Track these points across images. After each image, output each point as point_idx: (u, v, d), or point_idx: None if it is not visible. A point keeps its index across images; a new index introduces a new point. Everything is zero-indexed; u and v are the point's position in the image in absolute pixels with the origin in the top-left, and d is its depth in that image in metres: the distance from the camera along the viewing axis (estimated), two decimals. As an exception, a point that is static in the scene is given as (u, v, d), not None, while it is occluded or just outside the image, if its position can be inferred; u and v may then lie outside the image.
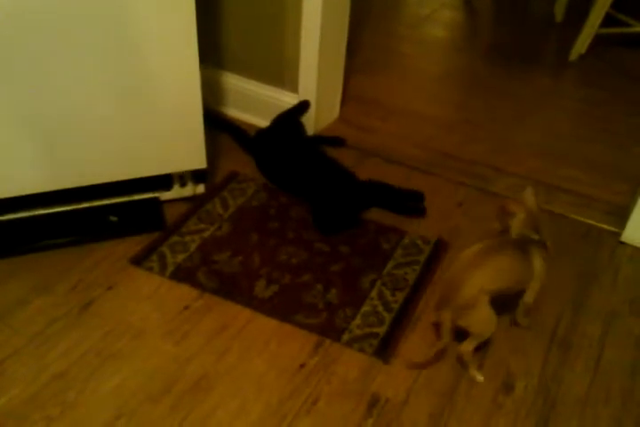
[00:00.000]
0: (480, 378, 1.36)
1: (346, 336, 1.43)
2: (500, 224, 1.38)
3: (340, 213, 1.71)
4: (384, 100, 2.31)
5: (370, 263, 1.62)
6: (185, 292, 1.51)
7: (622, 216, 1.78)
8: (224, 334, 1.42)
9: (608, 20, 2.59)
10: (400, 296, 1.53)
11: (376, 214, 1.77)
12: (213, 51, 2.04)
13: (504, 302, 1.39)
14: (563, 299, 1.58)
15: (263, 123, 2.00)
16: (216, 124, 2.01)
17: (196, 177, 1.74)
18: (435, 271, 1.61)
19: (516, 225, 1.33)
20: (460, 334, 1.36)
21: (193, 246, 1.63)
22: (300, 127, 1.96)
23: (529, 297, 1.41)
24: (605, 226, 1.80)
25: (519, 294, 1.42)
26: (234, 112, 2.11)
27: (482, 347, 1.39)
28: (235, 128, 2.00)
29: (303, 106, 1.97)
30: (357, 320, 1.47)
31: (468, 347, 1.34)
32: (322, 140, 2.01)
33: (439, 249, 1.67)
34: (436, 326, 1.41)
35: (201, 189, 1.78)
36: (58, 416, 1.24)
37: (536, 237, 1.35)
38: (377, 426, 1.27)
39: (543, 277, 1.40)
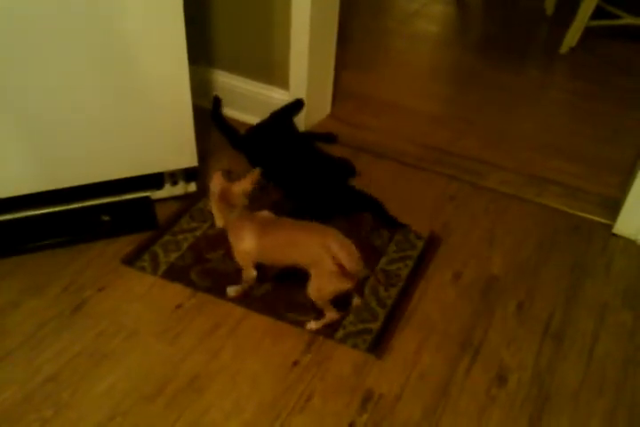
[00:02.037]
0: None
1: (339, 333, 1.43)
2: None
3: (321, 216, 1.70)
4: (375, 95, 2.31)
5: (363, 259, 1.61)
6: (177, 291, 1.51)
7: (614, 208, 1.78)
8: (217, 332, 1.42)
9: (598, 13, 2.59)
10: (393, 292, 1.53)
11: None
12: (204, 49, 2.04)
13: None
14: (556, 292, 1.58)
15: (254, 120, 2.00)
16: (216, 118, 2.01)
17: (188, 175, 1.73)
18: (428, 266, 1.61)
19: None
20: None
21: (185, 245, 1.62)
22: (292, 124, 1.96)
23: None
24: (597, 218, 1.80)
25: None
26: (225, 110, 2.10)
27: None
28: (226, 125, 2.00)
29: (297, 104, 1.97)
30: (351, 317, 1.47)
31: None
32: (313, 136, 2.01)
33: (432, 244, 1.67)
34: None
35: (192, 187, 1.77)
36: (52, 417, 1.24)
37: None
38: (371, 421, 1.27)
39: None
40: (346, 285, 1.35)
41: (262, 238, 1.38)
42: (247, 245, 1.38)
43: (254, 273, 1.44)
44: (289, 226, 1.41)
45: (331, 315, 1.42)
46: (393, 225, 1.71)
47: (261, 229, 1.38)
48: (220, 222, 1.39)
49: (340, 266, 1.30)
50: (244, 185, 1.38)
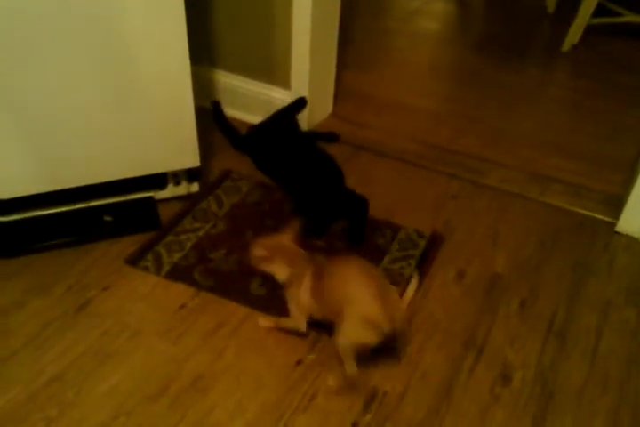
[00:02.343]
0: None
1: (342, 332, 1.43)
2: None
3: (320, 220, 1.70)
4: (377, 94, 2.31)
5: (366, 258, 1.61)
6: (181, 291, 1.51)
7: (617, 206, 1.78)
8: (220, 332, 1.42)
9: (599, 10, 2.58)
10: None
11: (370, 210, 1.76)
12: (206, 49, 2.04)
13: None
14: (559, 290, 1.58)
15: (256, 120, 1.99)
16: (218, 118, 2.00)
17: (190, 176, 1.74)
18: (430, 265, 1.61)
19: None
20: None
21: (188, 245, 1.62)
22: (295, 123, 1.96)
23: None
24: (600, 216, 1.80)
25: None
26: (227, 110, 2.10)
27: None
28: (227, 126, 1.99)
29: (300, 103, 1.96)
30: (354, 315, 1.47)
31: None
32: (316, 135, 2.00)
33: (434, 243, 1.68)
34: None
35: (195, 187, 1.77)
36: (56, 417, 1.25)
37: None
38: (375, 421, 1.27)
39: None
40: (370, 338, 1.26)
41: (317, 281, 1.34)
42: (304, 290, 1.35)
43: (305, 324, 1.38)
44: (339, 265, 1.37)
45: (349, 370, 1.29)
46: (357, 239, 1.67)
47: (315, 272, 1.36)
48: (283, 276, 1.39)
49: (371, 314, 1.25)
50: (290, 236, 1.40)
